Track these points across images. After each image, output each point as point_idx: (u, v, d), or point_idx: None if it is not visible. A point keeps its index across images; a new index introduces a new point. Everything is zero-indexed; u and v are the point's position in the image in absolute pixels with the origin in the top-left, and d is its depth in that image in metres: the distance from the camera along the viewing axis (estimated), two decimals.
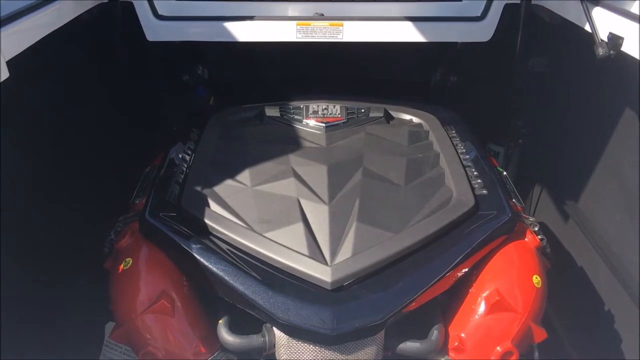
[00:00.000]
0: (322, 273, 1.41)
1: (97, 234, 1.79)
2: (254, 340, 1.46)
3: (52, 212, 1.89)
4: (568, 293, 1.70)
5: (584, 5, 1.79)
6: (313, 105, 2.09)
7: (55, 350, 1.77)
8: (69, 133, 2.04)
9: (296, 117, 2.07)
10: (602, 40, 1.73)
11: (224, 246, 1.51)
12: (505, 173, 1.98)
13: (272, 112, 2.11)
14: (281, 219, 1.55)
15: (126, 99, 2.49)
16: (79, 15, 2.03)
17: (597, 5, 1.81)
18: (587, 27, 1.88)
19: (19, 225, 1.68)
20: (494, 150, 2.78)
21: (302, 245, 1.47)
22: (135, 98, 2.54)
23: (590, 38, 1.84)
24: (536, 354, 1.65)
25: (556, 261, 1.78)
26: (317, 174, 1.70)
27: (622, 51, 1.68)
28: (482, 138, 2.22)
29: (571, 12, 2.06)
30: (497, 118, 2.69)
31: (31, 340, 1.69)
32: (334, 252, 1.46)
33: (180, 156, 1.87)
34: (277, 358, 1.47)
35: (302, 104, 2.11)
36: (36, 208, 1.80)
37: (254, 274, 1.44)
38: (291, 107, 2.11)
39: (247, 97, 2.30)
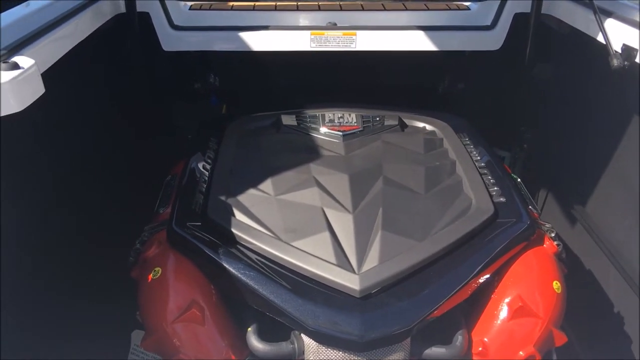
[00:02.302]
0: (350, 281, 1.44)
1: (119, 242, 1.81)
2: (283, 347, 1.49)
3: (72, 221, 1.91)
4: (578, 297, 1.75)
5: (597, 17, 1.84)
6: (329, 114, 2.13)
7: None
8: (85, 143, 2.06)
9: (313, 125, 2.10)
10: (616, 51, 1.77)
11: (251, 255, 1.54)
12: (519, 180, 2.02)
13: (288, 120, 2.14)
14: (307, 228, 1.58)
15: (141, 107, 2.52)
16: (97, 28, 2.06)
17: (610, 17, 1.86)
18: (597, 37, 1.93)
19: (38, 233, 1.70)
20: (499, 155, 2.82)
21: (330, 254, 1.50)
22: (149, 107, 2.57)
23: (598, 47, 1.89)
24: (554, 356, 1.69)
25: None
26: (339, 183, 1.74)
27: (635, 62, 1.73)
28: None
29: (581, 22, 2.11)
30: (503, 123, 2.73)
31: (55, 348, 1.72)
32: (360, 260, 1.49)
33: (200, 165, 1.89)
34: None
35: (317, 113, 2.14)
36: (55, 216, 1.82)
37: (282, 282, 1.47)
38: (307, 115, 2.14)
39: (260, 105, 2.33)
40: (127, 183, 2.32)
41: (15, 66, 1.28)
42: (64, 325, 1.78)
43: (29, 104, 1.28)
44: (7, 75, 1.23)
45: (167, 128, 2.65)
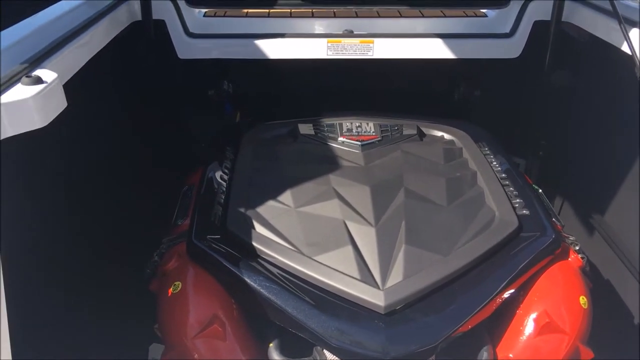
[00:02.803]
0: (375, 297, 1.42)
1: (133, 252, 1.79)
2: None
3: (85, 230, 1.90)
4: (596, 306, 1.72)
5: (622, 27, 1.81)
6: (346, 123, 2.11)
7: None
8: (99, 151, 2.05)
9: (330, 135, 2.08)
10: None
11: (272, 269, 1.52)
12: (540, 191, 1.99)
13: (305, 129, 2.12)
14: (329, 241, 1.56)
15: (154, 115, 2.50)
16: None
17: (635, 26, 1.83)
18: (620, 46, 1.90)
19: (49, 242, 1.69)
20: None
21: (353, 269, 1.48)
22: (163, 114, 2.55)
23: (620, 55, 1.86)
24: None
25: None
26: (360, 195, 1.71)
27: None
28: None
29: (602, 30, 2.08)
30: (518, 130, 2.71)
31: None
32: (384, 276, 1.47)
33: (218, 175, 1.88)
34: None
35: (335, 122, 2.12)
36: (67, 225, 1.81)
37: (305, 297, 1.44)
38: (324, 124, 2.12)
39: (275, 112, 2.31)
40: (141, 191, 2.30)
41: (39, 80, 1.25)
42: (77, 338, 1.76)
43: (52, 118, 1.26)
44: (31, 91, 1.21)
45: (180, 136, 2.64)
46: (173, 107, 2.58)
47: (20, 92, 1.21)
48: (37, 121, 1.21)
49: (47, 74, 1.30)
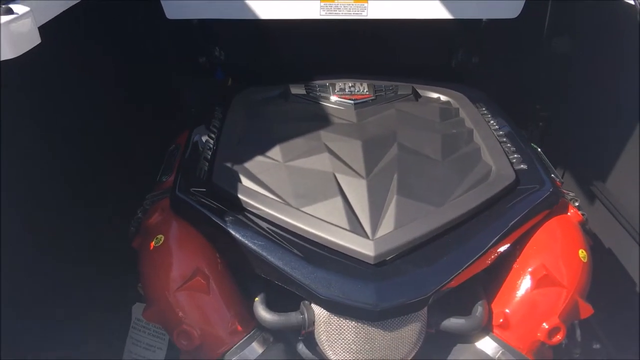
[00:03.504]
0: (364, 247, 1.36)
1: (120, 215, 1.74)
2: (292, 318, 1.41)
3: (70, 194, 1.84)
4: (596, 270, 1.67)
5: None
6: (339, 83, 2.04)
7: (81, 330, 1.72)
8: (84, 110, 1.98)
9: (322, 94, 2.01)
10: None
11: (259, 221, 1.46)
12: (539, 150, 1.93)
13: (297, 90, 2.05)
14: (318, 193, 1.50)
15: (143, 78, 2.44)
16: None
17: None
18: None
19: (31, 202, 1.63)
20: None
21: (342, 219, 1.42)
22: (152, 79, 2.49)
23: (623, 10, 1.79)
24: (578, 332, 1.60)
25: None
26: (352, 149, 1.65)
27: None
28: None
29: None
30: (518, 99, 2.64)
31: (55, 328, 1.65)
32: (375, 226, 1.41)
33: (206, 134, 1.81)
34: (317, 336, 1.41)
35: (327, 82, 2.06)
36: (54, 190, 1.75)
37: (292, 249, 1.39)
38: (316, 85, 2.06)
39: (267, 78, 2.25)
40: (128, 155, 2.24)
41: (9, 11, 1.20)
42: (62, 304, 1.71)
43: (23, 51, 1.20)
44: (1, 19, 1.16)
45: (169, 100, 2.57)
46: (162, 71, 2.51)
47: None
48: (7, 51, 1.16)
49: (19, 8, 1.25)
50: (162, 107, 2.54)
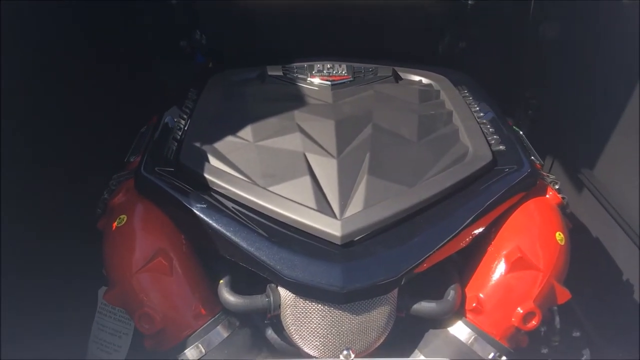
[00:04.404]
0: (331, 227, 1.31)
1: (88, 194, 1.69)
2: (258, 301, 1.36)
3: (43, 171, 1.79)
4: (582, 261, 1.62)
5: None
6: (318, 65, 1.99)
7: (45, 312, 1.67)
8: (59, 94, 1.93)
9: (300, 76, 1.96)
10: None
11: (225, 201, 1.41)
12: (521, 133, 1.88)
13: (274, 71, 2.00)
14: (286, 173, 1.45)
15: (123, 62, 2.38)
16: None
17: None
18: None
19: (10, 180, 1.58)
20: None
21: (310, 199, 1.37)
22: (132, 62, 2.44)
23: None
24: (557, 319, 1.56)
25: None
26: (324, 129, 1.60)
27: None
28: None
29: None
30: (506, 86, 2.58)
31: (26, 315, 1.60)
32: (343, 206, 1.36)
33: (178, 114, 1.76)
34: (283, 319, 1.37)
35: (306, 64, 2.00)
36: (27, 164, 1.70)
37: (257, 229, 1.34)
38: (294, 66, 2.01)
39: (249, 62, 2.19)
40: (100, 136, 2.18)
41: None
42: (27, 294, 1.66)
43: None
44: None
45: (148, 83, 2.52)
46: (143, 57, 2.46)
47: None
48: None
49: None
50: (140, 90, 2.48)
